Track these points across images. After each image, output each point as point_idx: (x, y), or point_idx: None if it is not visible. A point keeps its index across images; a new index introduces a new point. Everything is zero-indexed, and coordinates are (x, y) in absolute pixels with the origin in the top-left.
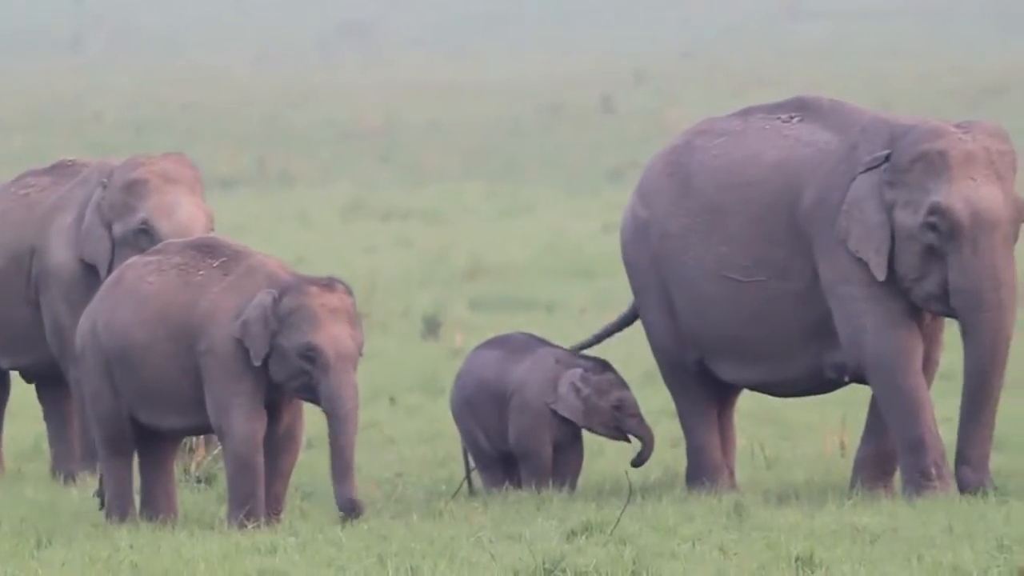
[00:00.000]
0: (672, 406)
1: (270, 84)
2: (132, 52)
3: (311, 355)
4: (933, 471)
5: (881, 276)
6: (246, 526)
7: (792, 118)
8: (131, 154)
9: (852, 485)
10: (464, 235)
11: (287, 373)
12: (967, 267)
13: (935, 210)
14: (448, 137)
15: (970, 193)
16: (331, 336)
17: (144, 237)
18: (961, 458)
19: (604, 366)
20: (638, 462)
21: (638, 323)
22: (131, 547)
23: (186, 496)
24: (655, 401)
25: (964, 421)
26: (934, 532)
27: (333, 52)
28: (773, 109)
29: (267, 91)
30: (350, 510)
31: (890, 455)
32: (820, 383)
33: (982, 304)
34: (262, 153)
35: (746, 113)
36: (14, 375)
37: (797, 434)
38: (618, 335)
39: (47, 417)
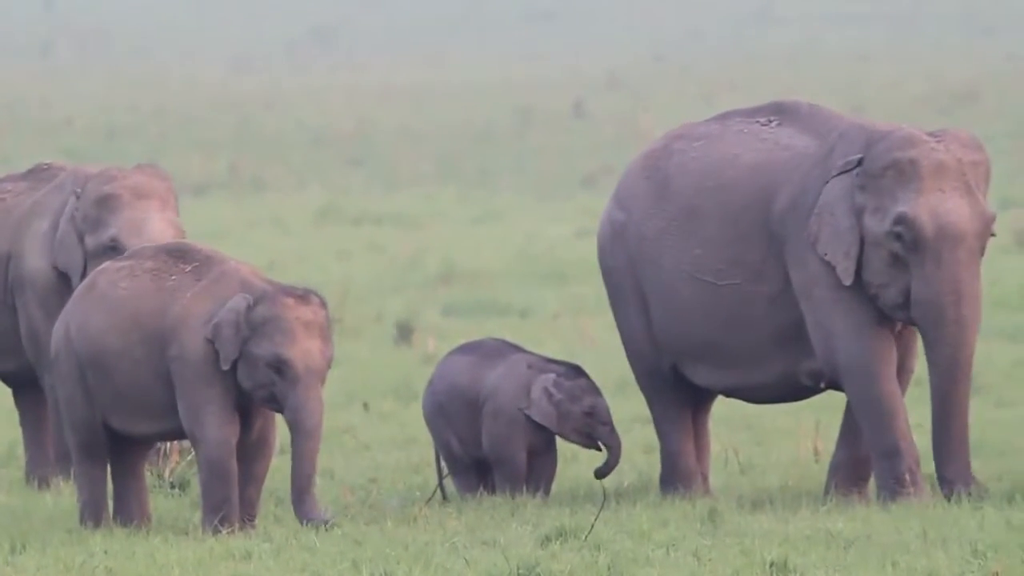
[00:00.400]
0: (645, 412)
1: (241, 89)
2: (102, 57)
3: (280, 367)
4: (907, 477)
5: (848, 281)
6: (220, 532)
7: (771, 122)
8: (103, 160)
9: (826, 491)
10: (437, 240)
11: (254, 381)
12: (929, 280)
13: (901, 220)
14: (420, 142)
15: (936, 205)
16: (302, 350)
17: (114, 253)
18: (940, 476)
19: (577, 372)
20: (603, 472)
21: (613, 331)
22: (105, 553)
23: (160, 502)
24: (628, 408)
25: (937, 438)
26: (908, 538)
27: (303, 56)
28: (752, 113)
29: (238, 96)
30: (320, 524)
31: (865, 461)
32: (795, 389)
33: (943, 318)
34: (234, 158)
35: (725, 117)
36: None
37: (771, 439)
38: (591, 345)
39: (23, 422)
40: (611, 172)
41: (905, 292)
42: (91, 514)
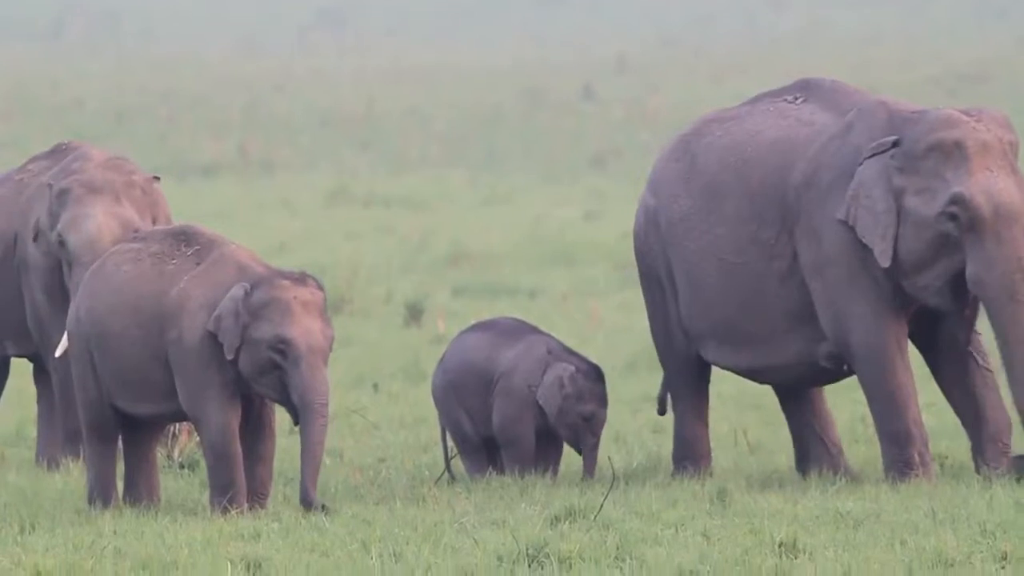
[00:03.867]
0: (654, 392)
1: (250, 71)
2: (112, 39)
3: (282, 348)
4: (916, 460)
5: (886, 263)
6: (229, 512)
7: (796, 99)
8: (112, 143)
9: (978, 469)
10: (446, 222)
11: (257, 367)
12: (992, 259)
13: (957, 201)
14: (429, 124)
15: (990, 184)
16: (303, 329)
17: (63, 250)
18: None
19: (598, 375)
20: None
21: (621, 312)
22: (115, 533)
23: (169, 482)
24: (637, 388)
25: None
26: (917, 517)
27: (312, 39)
28: (780, 92)
29: (247, 78)
30: (308, 507)
31: (1002, 431)
32: (818, 371)
33: (1015, 296)
34: (243, 140)
35: (756, 99)
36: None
37: (780, 419)
38: (600, 326)
39: (40, 401)
40: (620, 155)
41: (947, 273)
42: (100, 494)
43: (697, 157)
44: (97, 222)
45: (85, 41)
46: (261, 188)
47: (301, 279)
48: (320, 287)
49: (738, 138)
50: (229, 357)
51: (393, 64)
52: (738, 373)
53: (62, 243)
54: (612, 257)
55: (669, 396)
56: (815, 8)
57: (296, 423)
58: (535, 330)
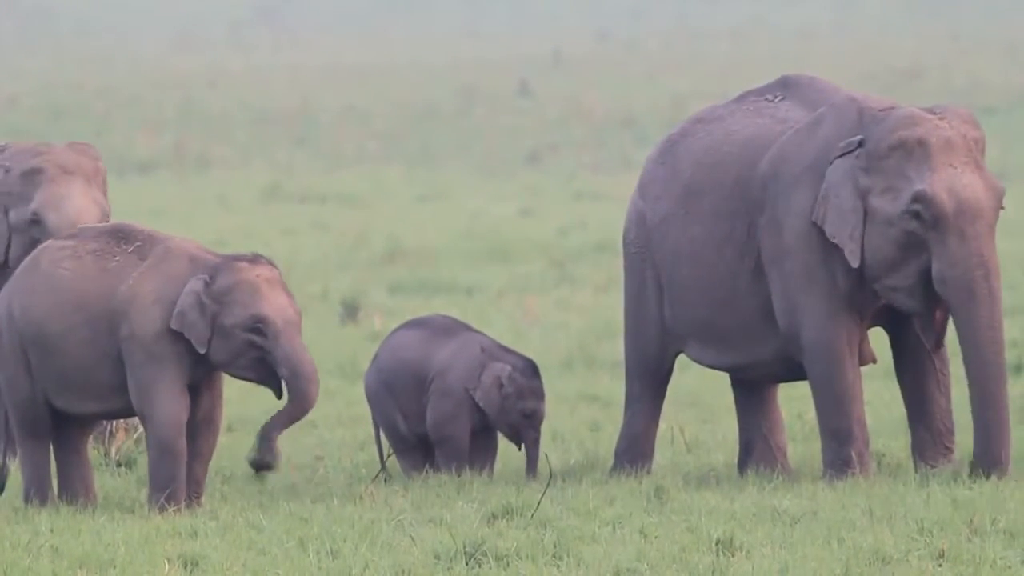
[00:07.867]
0: (591, 390)
1: (185, 68)
2: (46, 36)
3: (259, 327)
4: (855, 458)
5: (855, 263)
6: (167, 510)
7: (776, 98)
8: (47, 140)
9: (917, 469)
10: (382, 219)
11: (232, 352)
12: (955, 257)
13: (919, 198)
14: (364, 121)
15: (953, 182)
16: (275, 305)
17: (35, 227)
18: (994, 459)
19: (533, 371)
20: (529, 474)
21: (557, 308)
22: (51, 531)
23: (106, 480)
24: (574, 386)
25: (984, 419)
26: (854, 515)
27: (247, 35)
28: (763, 91)
29: (182, 75)
30: (266, 462)
31: (945, 432)
32: (796, 368)
33: (976, 294)
34: (179, 137)
35: (741, 98)
36: None
37: (717, 417)
38: (536, 323)
39: None
40: (555, 150)
41: (916, 273)
42: (36, 492)
43: (679, 158)
44: (78, 203)
45: (18, 38)
46: (197, 185)
47: (255, 259)
48: (273, 264)
49: (717, 138)
50: (201, 351)
51: (328, 61)
52: (724, 371)
53: (36, 222)
54: (548, 253)
55: (626, 389)
56: (750, 4)
57: (279, 397)
58: (468, 328)
